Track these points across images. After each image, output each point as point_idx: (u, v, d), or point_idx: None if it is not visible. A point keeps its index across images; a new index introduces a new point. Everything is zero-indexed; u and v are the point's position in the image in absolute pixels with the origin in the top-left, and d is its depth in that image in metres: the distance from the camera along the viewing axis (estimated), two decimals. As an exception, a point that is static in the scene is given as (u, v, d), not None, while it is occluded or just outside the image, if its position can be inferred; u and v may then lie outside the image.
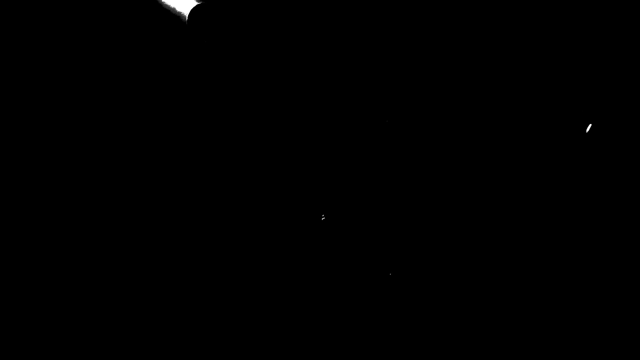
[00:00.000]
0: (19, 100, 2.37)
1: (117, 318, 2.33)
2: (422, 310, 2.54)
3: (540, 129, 2.84)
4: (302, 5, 2.55)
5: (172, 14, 2.37)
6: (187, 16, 2.36)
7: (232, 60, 2.49)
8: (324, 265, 2.54)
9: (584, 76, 2.86)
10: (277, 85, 2.57)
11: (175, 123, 2.50)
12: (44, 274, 2.31)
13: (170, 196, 2.52)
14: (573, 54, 2.83)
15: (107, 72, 2.43)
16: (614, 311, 2.58)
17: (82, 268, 2.34)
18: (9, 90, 2.36)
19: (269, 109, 2.57)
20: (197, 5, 2.37)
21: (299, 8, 2.55)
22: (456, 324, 2.54)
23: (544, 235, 2.75)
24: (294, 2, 2.54)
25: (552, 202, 2.80)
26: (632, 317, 2.54)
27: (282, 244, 2.53)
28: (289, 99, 2.59)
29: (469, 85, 2.79)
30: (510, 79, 2.83)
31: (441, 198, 2.73)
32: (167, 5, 2.37)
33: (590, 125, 2.84)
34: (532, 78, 2.83)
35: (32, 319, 2.28)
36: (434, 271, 2.62)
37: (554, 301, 2.61)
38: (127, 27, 2.42)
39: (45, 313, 2.29)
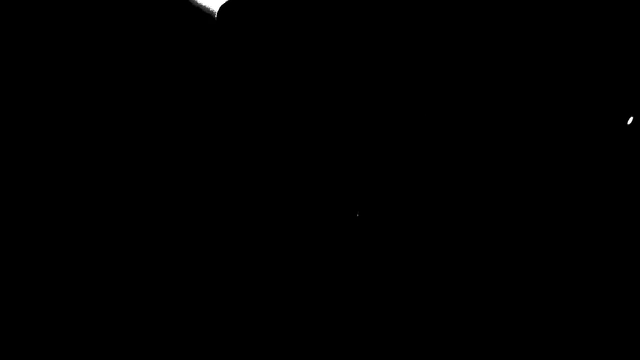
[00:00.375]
0: (38, 96, 2.40)
1: (117, 318, 2.36)
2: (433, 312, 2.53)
3: (580, 120, 2.77)
4: (333, 5, 2.52)
5: (201, 12, 2.36)
6: (216, 13, 2.35)
7: (260, 57, 2.47)
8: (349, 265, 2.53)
9: (628, 65, 2.78)
10: (306, 83, 2.55)
11: (204, 120, 2.50)
12: (44, 274, 2.34)
13: (201, 194, 2.53)
14: (616, 43, 2.75)
15: (135, 69, 2.44)
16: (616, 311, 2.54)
17: (82, 268, 2.37)
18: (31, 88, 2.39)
19: (297, 107, 2.55)
20: (226, 2, 2.36)
21: (329, 7, 2.52)
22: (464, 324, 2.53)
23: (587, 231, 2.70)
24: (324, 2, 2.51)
25: (591, 198, 2.74)
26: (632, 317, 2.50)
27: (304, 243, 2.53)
28: (316, 97, 2.57)
29: (503, 72, 2.73)
30: (548, 67, 2.76)
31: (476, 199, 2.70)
32: (196, 2, 2.36)
33: (632, 117, 2.76)
34: (572, 66, 2.76)
35: (32, 319, 2.31)
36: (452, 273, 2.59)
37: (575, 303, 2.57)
38: (156, 24, 2.42)
39: (45, 313, 2.33)
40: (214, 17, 2.35)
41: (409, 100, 2.64)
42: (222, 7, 2.35)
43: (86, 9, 2.36)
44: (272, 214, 2.53)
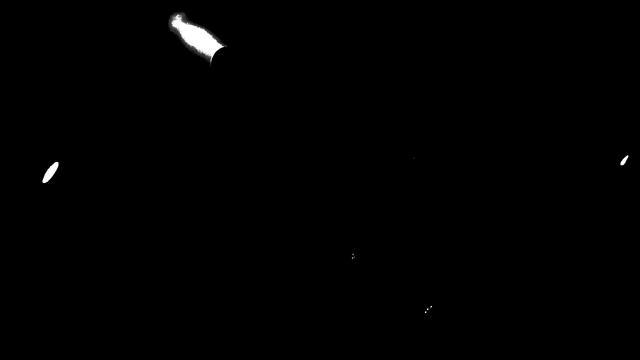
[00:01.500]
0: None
1: (117, 318, 2.39)
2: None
3: (575, 160, 2.79)
4: (322, 46, 2.62)
5: (197, 56, 2.47)
6: (211, 57, 2.46)
7: (252, 98, 2.57)
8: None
9: (622, 108, 2.81)
10: (300, 126, 2.63)
11: (201, 156, 2.59)
12: (46, 273, 2.39)
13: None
14: (612, 88, 2.79)
15: (137, 106, 2.55)
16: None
17: (83, 268, 2.41)
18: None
19: (287, 146, 2.63)
20: (221, 48, 2.47)
21: (318, 49, 2.62)
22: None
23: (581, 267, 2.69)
24: (314, 44, 2.61)
25: (590, 233, 2.74)
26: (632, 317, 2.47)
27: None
28: (312, 139, 2.65)
29: (502, 118, 2.77)
30: (546, 112, 2.80)
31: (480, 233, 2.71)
32: (192, 47, 2.47)
33: (626, 157, 2.78)
34: (569, 110, 2.80)
35: (34, 318, 2.35)
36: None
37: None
38: (154, 68, 2.53)
39: (47, 313, 2.36)
40: (209, 62, 2.46)
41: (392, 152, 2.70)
42: (217, 53, 2.47)
43: (93, 52, 2.48)
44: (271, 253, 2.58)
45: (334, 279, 2.56)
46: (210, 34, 2.49)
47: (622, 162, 2.76)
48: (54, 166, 2.49)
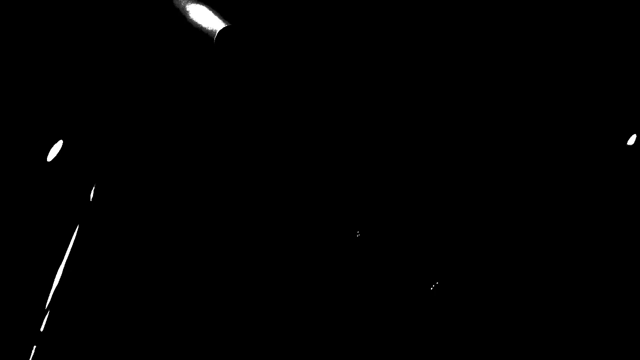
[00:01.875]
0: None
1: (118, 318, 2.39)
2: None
3: (584, 140, 2.77)
4: (325, 31, 2.61)
5: (201, 33, 2.47)
6: (215, 35, 2.46)
7: (255, 77, 2.56)
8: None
9: (630, 88, 2.79)
10: (303, 106, 2.62)
11: (203, 134, 2.58)
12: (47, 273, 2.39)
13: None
14: (620, 67, 2.77)
15: (142, 83, 2.55)
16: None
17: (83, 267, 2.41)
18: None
19: (290, 128, 2.62)
20: (225, 27, 2.47)
21: (321, 32, 2.61)
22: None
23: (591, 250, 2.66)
24: (317, 27, 2.61)
25: (597, 217, 2.71)
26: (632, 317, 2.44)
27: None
28: (313, 120, 2.64)
29: (515, 100, 2.76)
30: (556, 92, 2.78)
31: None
32: (197, 24, 2.47)
33: (634, 136, 2.75)
34: (578, 90, 2.78)
35: (35, 318, 2.35)
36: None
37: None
38: (158, 43, 2.53)
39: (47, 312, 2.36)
40: (213, 39, 2.45)
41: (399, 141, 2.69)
42: (222, 31, 2.46)
43: (97, 30, 2.49)
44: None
45: (340, 257, 2.54)
46: (215, 12, 2.49)
47: (630, 142, 2.73)
48: (59, 144, 2.49)
